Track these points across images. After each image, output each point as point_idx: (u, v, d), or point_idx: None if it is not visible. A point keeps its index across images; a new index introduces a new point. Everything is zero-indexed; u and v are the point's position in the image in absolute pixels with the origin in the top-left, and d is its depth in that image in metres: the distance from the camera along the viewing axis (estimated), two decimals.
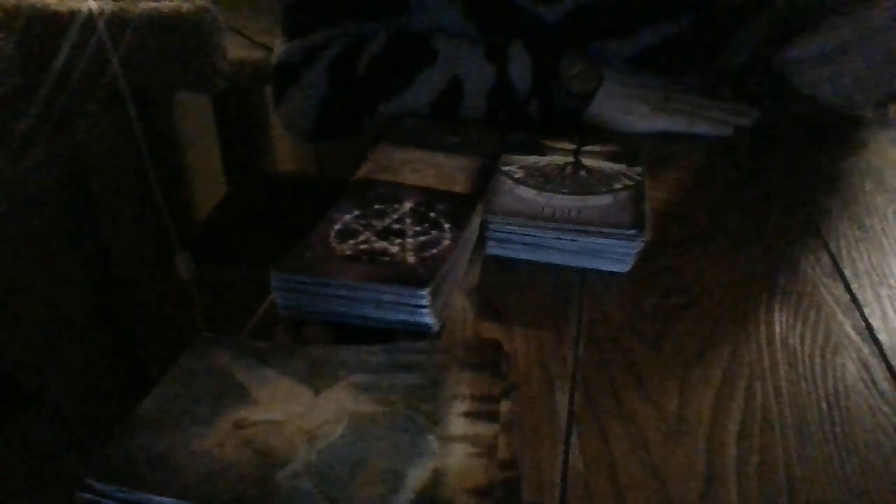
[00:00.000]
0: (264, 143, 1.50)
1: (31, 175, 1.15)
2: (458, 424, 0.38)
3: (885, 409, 0.42)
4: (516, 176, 0.61)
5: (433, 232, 0.52)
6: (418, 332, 0.47)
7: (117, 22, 1.11)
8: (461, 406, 0.39)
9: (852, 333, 0.49)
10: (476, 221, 0.55)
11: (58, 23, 1.10)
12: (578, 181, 0.61)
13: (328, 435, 0.37)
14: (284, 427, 0.37)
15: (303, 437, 0.37)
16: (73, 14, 1.09)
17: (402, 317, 0.47)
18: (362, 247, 0.50)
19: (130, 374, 1.29)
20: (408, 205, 0.56)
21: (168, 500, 0.33)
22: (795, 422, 0.41)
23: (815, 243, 0.60)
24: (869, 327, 0.49)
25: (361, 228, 0.52)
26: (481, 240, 0.56)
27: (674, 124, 0.80)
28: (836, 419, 0.41)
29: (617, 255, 0.54)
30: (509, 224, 0.55)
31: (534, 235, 0.55)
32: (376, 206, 0.55)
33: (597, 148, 0.67)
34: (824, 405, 0.42)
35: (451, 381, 0.40)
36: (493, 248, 0.56)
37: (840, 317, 0.50)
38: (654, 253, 0.56)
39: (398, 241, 0.51)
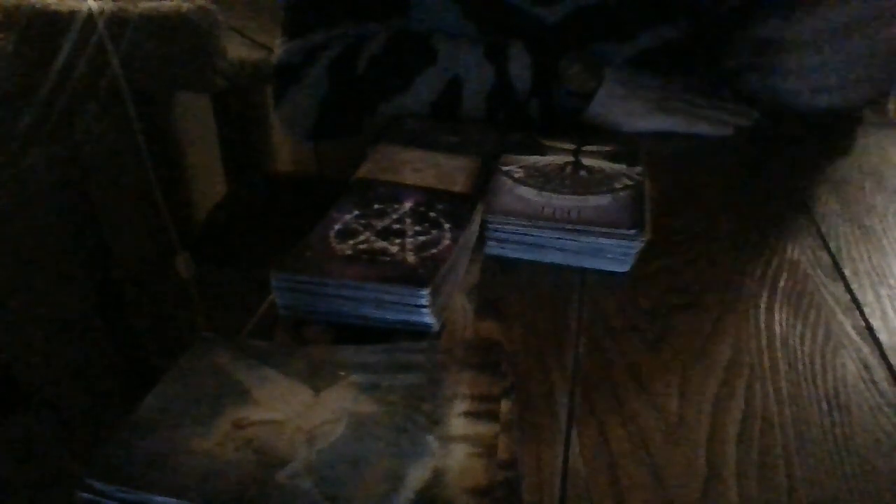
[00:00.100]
0: (264, 143, 1.50)
1: (31, 175, 1.15)
2: (458, 424, 0.38)
3: (886, 409, 0.42)
4: (516, 176, 0.61)
5: (433, 232, 0.52)
6: (418, 332, 0.47)
7: (117, 22, 1.11)
8: (461, 406, 0.39)
9: (852, 333, 0.49)
10: (476, 221, 0.55)
11: (58, 23, 1.10)
12: (578, 181, 0.61)
13: (328, 435, 0.37)
14: (284, 427, 0.37)
15: (303, 437, 0.37)
16: (73, 14, 1.09)
17: (402, 317, 0.47)
18: (362, 247, 0.50)
19: (130, 374, 1.29)
20: (408, 205, 0.56)
21: (168, 500, 0.33)
22: (795, 422, 0.41)
23: (815, 243, 0.60)
24: (869, 327, 0.49)
25: (361, 228, 0.52)
26: (481, 240, 0.56)
27: (674, 124, 0.80)
28: (836, 419, 0.41)
29: (617, 255, 0.54)
30: (509, 224, 0.55)
31: (534, 235, 0.55)
32: (376, 206, 0.55)
33: (597, 148, 0.67)
34: (824, 405, 0.42)
35: (451, 381, 0.40)
36: (493, 248, 0.56)
37: (840, 317, 0.50)
38: (654, 253, 0.56)
39: (398, 241, 0.51)
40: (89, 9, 1.09)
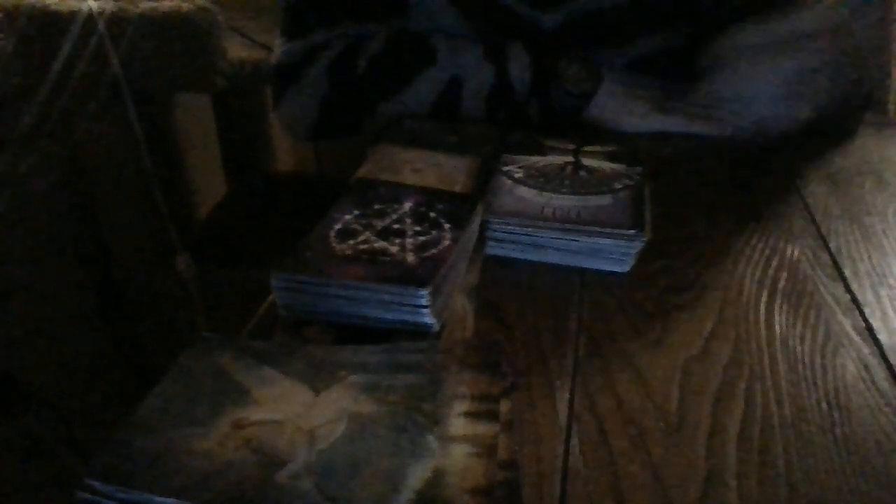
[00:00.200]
0: (264, 143, 1.50)
1: (31, 175, 1.15)
2: (458, 424, 0.38)
3: (886, 409, 0.42)
4: (516, 176, 0.61)
5: (433, 232, 0.52)
6: (418, 332, 0.47)
7: (117, 22, 1.11)
8: (461, 406, 0.39)
9: (852, 333, 0.49)
10: (476, 221, 0.55)
11: (58, 23, 1.10)
12: (578, 181, 0.61)
13: (328, 435, 0.37)
14: (284, 427, 0.37)
15: (303, 437, 0.37)
16: (73, 14, 1.09)
17: (402, 317, 0.47)
18: (362, 247, 0.50)
19: (130, 374, 1.28)
20: (408, 205, 0.56)
21: (168, 500, 0.33)
22: (795, 422, 0.41)
23: (815, 243, 0.60)
24: (869, 327, 0.49)
25: (361, 228, 0.52)
26: (481, 240, 0.56)
27: (674, 124, 0.80)
28: (836, 419, 0.41)
29: (617, 255, 0.54)
30: (509, 224, 0.55)
31: (534, 235, 0.55)
32: (376, 206, 0.55)
33: (597, 148, 0.67)
34: (824, 405, 0.42)
35: (451, 381, 0.40)
36: (493, 248, 0.56)
37: (840, 317, 0.50)
38: (654, 253, 0.56)
39: (398, 241, 0.51)
40: (89, 9, 1.09)
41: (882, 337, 0.48)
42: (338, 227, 0.52)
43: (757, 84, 0.66)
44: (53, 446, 1.15)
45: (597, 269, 0.55)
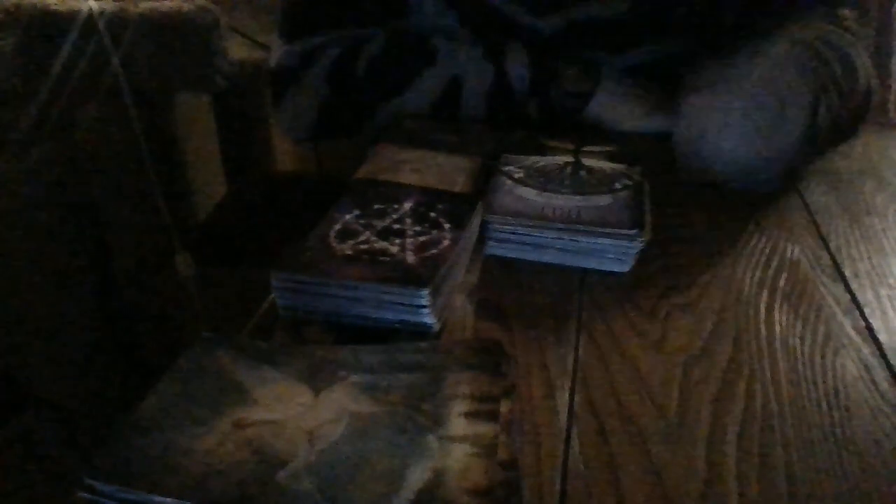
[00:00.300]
0: (264, 143, 1.50)
1: (31, 175, 1.15)
2: (458, 424, 0.38)
3: (886, 409, 0.42)
4: (516, 176, 0.61)
5: (433, 232, 0.52)
6: (418, 332, 0.47)
7: (117, 22, 1.11)
8: (461, 406, 0.39)
9: (852, 333, 0.49)
10: (476, 221, 0.55)
11: (58, 23, 1.10)
12: (578, 181, 0.61)
13: (328, 435, 0.37)
14: (284, 427, 0.37)
15: (303, 437, 0.37)
16: (73, 14, 1.09)
17: (402, 317, 0.47)
18: (362, 247, 0.50)
19: (130, 374, 1.28)
20: (408, 205, 0.56)
21: (168, 500, 0.33)
22: (795, 422, 0.41)
23: (815, 243, 0.60)
24: (869, 327, 0.49)
25: (361, 228, 0.52)
26: (481, 240, 0.56)
27: (673, 124, 0.80)
28: (836, 419, 0.41)
29: (617, 255, 0.54)
30: (509, 224, 0.55)
31: (534, 235, 0.55)
32: (376, 206, 0.55)
33: (597, 148, 0.67)
34: (824, 405, 0.42)
35: (451, 381, 0.40)
36: (493, 248, 0.56)
37: (840, 317, 0.50)
38: (654, 253, 0.56)
39: (398, 241, 0.51)
40: (89, 9, 1.09)
41: (882, 337, 0.48)
42: (338, 227, 0.52)
43: (705, 121, 0.65)
44: (53, 446, 1.15)
45: (597, 269, 0.55)
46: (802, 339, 0.48)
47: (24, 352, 1.21)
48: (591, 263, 0.55)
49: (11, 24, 1.08)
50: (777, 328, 0.49)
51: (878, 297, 0.53)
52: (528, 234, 0.55)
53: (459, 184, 0.63)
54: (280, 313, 0.49)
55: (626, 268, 0.54)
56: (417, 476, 0.34)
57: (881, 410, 0.42)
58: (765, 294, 0.53)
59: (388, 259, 0.49)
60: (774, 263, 0.57)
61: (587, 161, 0.65)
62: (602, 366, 0.45)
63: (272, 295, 0.49)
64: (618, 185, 0.60)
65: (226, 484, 0.34)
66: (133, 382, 1.28)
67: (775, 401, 0.42)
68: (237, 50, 1.27)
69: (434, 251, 0.50)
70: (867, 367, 0.45)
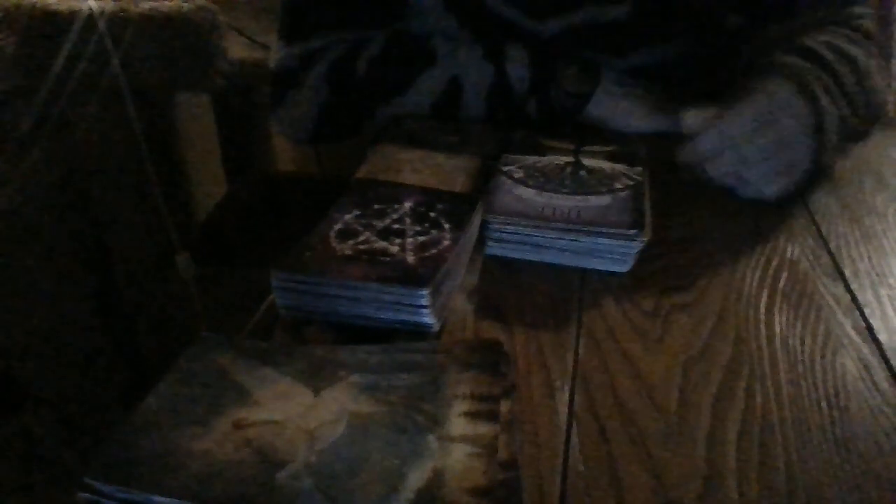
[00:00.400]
0: (264, 143, 1.50)
1: (31, 175, 1.15)
2: (458, 424, 0.38)
3: (885, 409, 0.42)
4: (516, 176, 0.61)
5: (433, 232, 0.52)
6: (418, 332, 0.47)
7: (117, 22, 1.11)
8: (461, 406, 0.39)
9: (852, 333, 0.49)
10: (476, 221, 0.55)
11: (58, 23, 1.10)
12: (578, 181, 0.61)
13: (328, 435, 0.37)
14: (284, 427, 0.37)
15: (303, 437, 0.37)
16: (73, 14, 1.09)
17: (402, 317, 0.47)
18: (362, 247, 0.50)
19: (130, 374, 1.28)
20: (408, 205, 0.56)
21: (168, 500, 0.33)
22: (795, 422, 0.41)
23: (815, 243, 0.60)
24: (869, 327, 0.49)
25: (361, 228, 0.52)
26: (481, 240, 0.56)
27: (673, 124, 0.80)
28: (836, 419, 0.41)
29: (617, 255, 0.54)
30: (509, 224, 0.55)
31: (534, 235, 0.55)
32: (376, 206, 0.55)
33: (597, 148, 0.67)
34: (824, 405, 0.42)
35: (451, 381, 0.40)
36: (493, 248, 0.56)
37: (840, 317, 0.50)
38: (654, 253, 0.56)
39: (398, 241, 0.51)
40: (89, 9, 1.09)
41: (882, 337, 0.48)
42: (338, 227, 0.52)
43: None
44: (53, 446, 1.15)
45: (597, 269, 0.55)
46: (802, 339, 0.48)
47: (24, 352, 1.21)
48: (591, 263, 0.55)
49: (11, 24, 1.08)
50: (777, 328, 0.49)
51: (878, 297, 0.53)
52: (528, 234, 0.55)
53: (459, 184, 0.63)
54: (280, 313, 0.49)
55: (626, 268, 0.54)
56: (417, 476, 0.34)
57: (881, 410, 0.42)
58: (765, 294, 0.53)
59: (388, 259, 0.49)
60: (774, 263, 0.57)
61: (587, 161, 0.65)
62: (602, 366, 0.45)
63: (272, 295, 0.49)
64: (618, 185, 0.60)
65: (226, 484, 0.34)
66: (133, 382, 1.28)
67: (775, 401, 0.42)
68: (237, 50, 1.27)
69: (434, 251, 0.50)
70: (867, 367, 0.45)
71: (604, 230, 0.54)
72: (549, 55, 0.79)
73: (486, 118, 0.80)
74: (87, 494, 0.33)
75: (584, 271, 0.55)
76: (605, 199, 0.58)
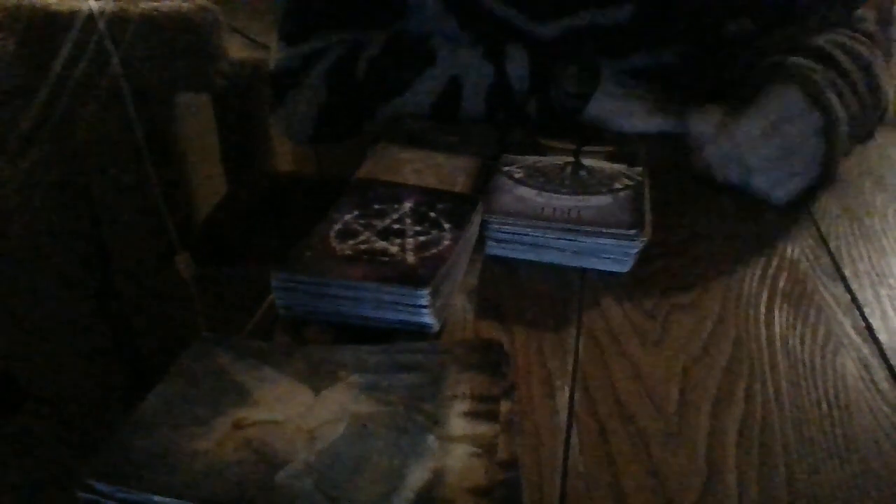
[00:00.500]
0: (264, 143, 1.50)
1: (31, 175, 1.15)
2: (458, 424, 0.38)
3: (885, 409, 0.42)
4: (516, 176, 0.61)
5: (433, 232, 0.52)
6: (418, 332, 0.47)
7: (117, 22, 1.11)
8: (461, 406, 0.39)
9: (852, 333, 0.49)
10: (476, 221, 0.55)
11: (58, 23, 1.10)
12: (578, 181, 0.61)
13: (328, 435, 0.37)
14: (284, 427, 0.37)
15: (303, 437, 0.37)
16: (73, 14, 1.09)
17: (402, 317, 0.47)
18: (362, 247, 0.50)
19: (130, 374, 1.28)
20: (408, 205, 0.56)
21: (168, 500, 0.33)
22: (795, 422, 0.41)
23: (815, 243, 0.60)
24: (869, 327, 0.49)
25: (361, 228, 0.52)
26: (481, 240, 0.56)
27: (673, 124, 0.80)
28: (836, 419, 0.41)
29: (617, 255, 0.54)
30: (509, 224, 0.55)
31: (534, 235, 0.55)
32: (376, 206, 0.55)
33: (597, 148, 0.67)
34: (824, 405, 0.42)
35: (451, 381, 0.40)
36: (493, 248, 0.56)
37: (840, 317, 0.50)
38: (654, 253, 0.56)
39: (398, 241, 0.51)
40: (89, 9, 1.09)
41: (882, 337, 0.48)
42: (338, 227, 0.52)
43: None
44: (53, 446, 1.15)
45: (597, 269, 0.55)
46: (802, 339, 0.48)
47: (24, 352, 1.21)
48: (591, 263, 0.55)
49: (11, 24, 1.08)
50: (777, 328, 0.49)
51: (878, 297, 0.53)
52: (528, 234, 0.55)
53: (459, 184, 0.63)
54: (280, 313, 0.49)
55: (626, 268, 0.54)
56: (417, 476, 0.34)
57: (881, 410, 0.42)
58: (765, 294, 0.53)
59: (388, 259, 0.49)
60: (774, 263, 0.57)
61: (587, 161, 0.65)
62: (602, 366, 0.45)
63: (272, 295, 0.49)
64: (618, 185, 0.60)
65: (226, 484, 0.34)
66: (133, 382, 1.28)
67: (775, 401, 0.42)
68: (237, 50, 1.27)
69: (434, 251, 0.50)
70: (867, 367, 0.45)
71: (604, 230, 0.54)
72: (549, 55, 0.79)
73: (486, 118, 0.80)
74: (87, 494, 0.33)
75: (584, 271, 0.55)
76: (605, 199, 0.58)
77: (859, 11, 0.79)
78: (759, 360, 0.46)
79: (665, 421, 0.41)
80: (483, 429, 0.37)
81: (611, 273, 0.54)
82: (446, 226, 0.53)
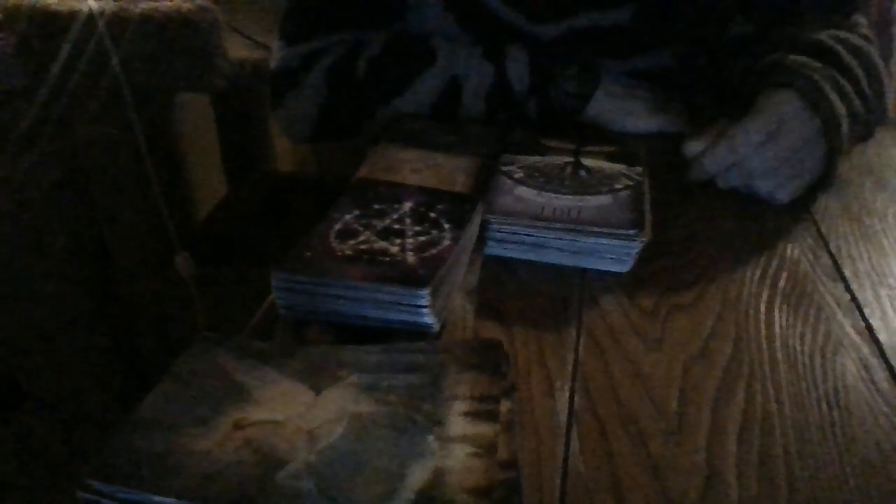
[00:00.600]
0: (264, 143, 1.50)
1: (31, 175, 1.15)
2: (458, 424, 0.38)
3: (885, 409, 0.42)
4: (516, 176, 0.61)
5: (433, 232, 0.52)
6: (418, 332, 0.47)
7: (117, 22, 1.11)
8: (461, 406, 0.39)
9: (852, 333, 0.49)
10: (476, 221, 0.55)
11: (58, 23, 1.10)
12: (578, 181, 0.61)
13: (328, 435, 0.37)
14: (284, 427, 0.37)
15: (303, 437, 0.37)
16: (73, 14, 1.09)
17: (402, 317, 0.47)
18: (362, 247, 0.50)
19: (130, 374, 1.29)
20: (408, 205, 0.56)
21: (168, 500, 0.33)
22: (795, 422, 0.41)
23: (815, 243, 0.60)
24: (869, 327, 0.49)
25: (361, 228, 0.52)
26: (481, 240, 0.56)
27: (673, 124, 0.80)
28: (836, 419, 0.41)
29: (617, 255, 0.54)
30: (509, 224, 0.55)
31: (534, 235, 0.55)
32: (376, 206, 0.55)
33: (597, 148, 0.67)
34: (824, 405, 0.42)
35: (451, 381, 0.40)
36: (493, 248, 0.56)
37: (840, 317, 0.50)
38: (654, 253, 0.56)
39: (398, 241, 0.51)
40: (89, 9, 1.09)
41: (882, 337, 0.48)
42: (338, 227, 0.52)
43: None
44: (53, 446, 1.15)
45: (597, 269, 0.55)
46: (802, 339, 0.48)
47: (24, 352, 1.21)
48: (591, 263, 0.55)
49: (11, 24, 1.08)
50: (777, 328, 0.49)
51: (878, 297, 0.53)
52: (528, 234, 0.55)
53: (459, 184, 0.63)
54: (280, 313, 0.49)
55: (626, 268, 0.54)
56: (417, 476, 0.34)
57: (881, 410, 0.42)
58: (765, 294, 0.53)
59: (388, 259, 0.49)
60: (774, 263, 0.57)
61: (587, 161, 0.65)
62: (602, 366, 0.45)
63: (272, 295, 0.49)
64: (618, 185, 0.60)
65: (226, 484, 0.34)
66: (133, 382, 1.28)
67: (775, 401, 0.42)
68: (237, 50, 1.27)
69: (434, 251, 0.50)
70: (867, 367, 0.45)
71: (604, 230, 0.54)
72: (549, 55, 0.79)
73: (486, 118, 0.80)
74: (87, 494, 0.33)
75: (584, 271, 0.55)
76: (605, 199, 0.58)
77: (856, 16, 0.79)
78: (759, 360, 0.46)
79: (665, 421, 0.41)
80: (483, 429, 0.37)
81: (611, 273, 0.54)
82: (446, 226, 0.53)
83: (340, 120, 0.83)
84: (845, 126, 0.66)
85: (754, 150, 0.64)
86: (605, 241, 0.54)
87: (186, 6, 1.15)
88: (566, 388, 0.43)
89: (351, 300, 0.47)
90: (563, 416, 0.41)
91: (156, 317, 1.31)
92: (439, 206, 0.55)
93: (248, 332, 0.48)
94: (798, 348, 0.47)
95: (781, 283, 0.54)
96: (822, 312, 0.51)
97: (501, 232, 0.56)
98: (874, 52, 0.74)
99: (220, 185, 1.43)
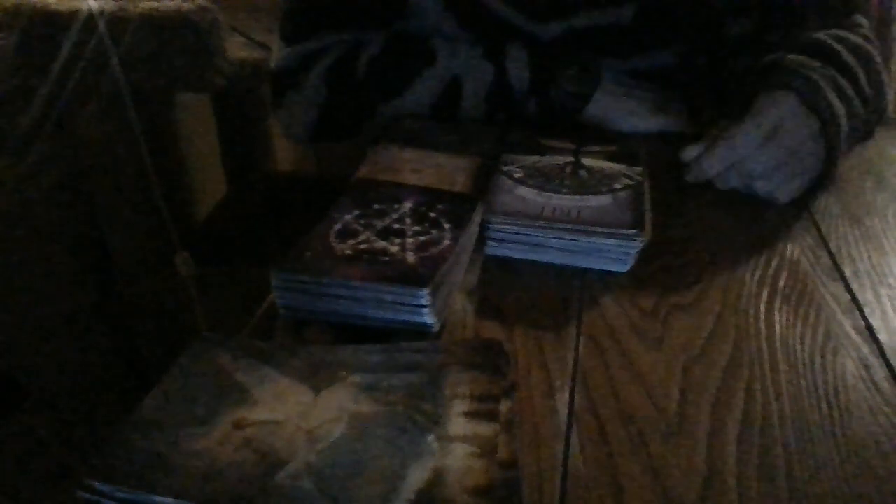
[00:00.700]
0: (264, 143, 1.50)
1: (31, 175, 1.15)
2: (458, 424, 0.38)
3: (885, 409, 0.42)
4: (516, 176, 0.61)
5: (433, 232, 0.52)
6: (418, 332, 0.47)
7: (117, 22, 1.11)
8: (461, 406, 0.39)
9: (852, 333, 0.49)
10: (476, 221, 0.55)
11: (58, 23, 1.10)
12: (578, 181, 0.61)
13: (328, 435, 0.37)
14: (284, 427, 0.37)
15: (303, 437, 0.37)
16: (73, 14, 1.09)
17: (402, 317, 0.47)
18: (362, 247, 0.50)
19: (130, 374, 1.29)
20: (408, 205, 0.56)
21: (168, 500, 0.33)
22: (795, 422, 0.41)
23: (815, 243, 0.60)
24: (869, 327, 0.49)
25: (361, 228, 0.52)
26: (481, 240, 0.56)
27: (673, 124, 0.80)
28: (836, 419, 0.41)
29: (617, 255, 0.54)
30: (509, 224, 0.55)
31: (534, 235, 0.55)
32: (376, 206, 0.55)
33: (597, 148, 0.67)
34: (824, 405, 0.42)
35: (451, 381, 0.40)
36: (493, 248, 0.56)
37: (840, 317, 0.50)
38: (654, 253, 0.56)
39: (398, 240, 0.51)
40: (89, 9, 1.09)
41: (882, 337, 0.48)
42: (338, 227, 0.52)
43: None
44: (53, 446, 1.15)
45: (597, 269, 0.55)
46: (802, 339, 0.48)
47: (24, 352, 1.21)
48: (591, 263, 0.55)
49: (11, 24, 1.08)
50: (777, 328, 0.49)
51: (878, 297, 0.53)
52: (528, 234, 0.55)
53: (459, 184, 0.63)
54: (280, 313, 0.49)
55: (626, 268, 0.54)
56: (417, 476, 0.34)
57: (881, 410, 0.42)
58: (765, 294, 0.53)
59: (388, 259, 0.49)
60: (774, 263, 0.57)
61: (587, 161, 0.65)
62: (602, 366, 0.45)
63: (272, 295, 0.49)
64: (618, 185, 0.60)
65: (226, 484, 0.34)
66: (133, 382, 1.28)
67: (775, 401, 0.42)
68: (237, 50, 1.27)
69: (434, 251, 0.50)
70: (867, 367, 0.45)
71: (604, 230, 0.54)
72: (549, 55, 0.79)
73: (486, 118, 0.80)
74: (87, 494, 0.33)
75: (584, 271, 0.55)
76: (605, 199, 0.58)
77: (856, 16, 0.79)
78: (759, 360, 0.46)
79: (665, 421, 0.41)
80: (483, 429, 0.37)
81: (611, 273, 0.54)
82: (446, 226, 0.53)
83: (340, 120, 0.83)
84: (844, 126, 0.66)
85: (753, 151, 0.64)
86: (605, 240, 0.54)
87: (186, 6, 1.15)
88: (566, 388, 0.43)
89: (351, 300, 0.47)
90: (563, 416, 0.41)
91: (156, 317, 1.31)
92: (439, 206, 0.55)
93: (248, 332, 0.48)
94: (798, 348, 0.47)
95: (781, 283, 0.54)
96: (822, 312, 0.51)
97: (501, 232, 0.56)
98: (874, 51, 0.74)
99: (220, 185, 1.43)
